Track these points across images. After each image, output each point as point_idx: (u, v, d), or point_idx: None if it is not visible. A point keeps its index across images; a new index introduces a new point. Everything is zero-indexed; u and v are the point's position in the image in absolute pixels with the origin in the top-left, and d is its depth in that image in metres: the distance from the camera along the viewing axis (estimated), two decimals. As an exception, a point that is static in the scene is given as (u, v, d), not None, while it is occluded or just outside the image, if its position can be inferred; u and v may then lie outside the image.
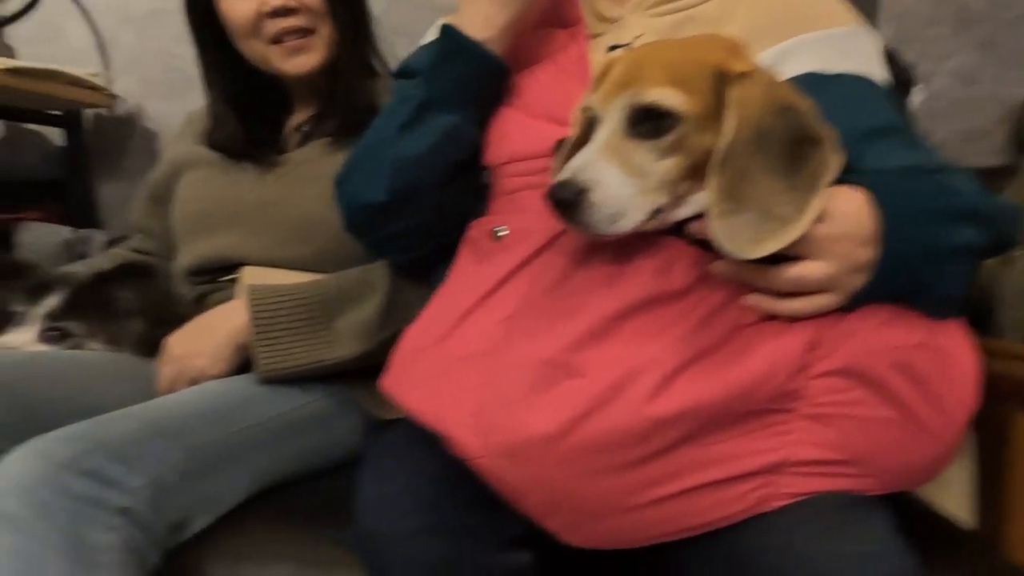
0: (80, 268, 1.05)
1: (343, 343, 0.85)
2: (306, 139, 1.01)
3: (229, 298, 0.96)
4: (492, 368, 0.53)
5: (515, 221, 0.69)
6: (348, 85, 0.97)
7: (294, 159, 1.00)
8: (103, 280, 0.90)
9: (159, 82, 1.85)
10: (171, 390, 0.83)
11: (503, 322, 0.56)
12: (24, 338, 0.85)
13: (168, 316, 0.92)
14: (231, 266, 0.96)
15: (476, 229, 0.74)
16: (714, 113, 0.51)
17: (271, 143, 1.01)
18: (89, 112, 1.88)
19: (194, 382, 0.83)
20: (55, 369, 0.76)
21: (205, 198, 0.99)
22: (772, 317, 0.52)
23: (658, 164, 0.52)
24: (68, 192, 1.86)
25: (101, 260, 1.11)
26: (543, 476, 0.49)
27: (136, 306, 0.91)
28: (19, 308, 0.88)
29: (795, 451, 0.50)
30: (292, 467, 0.80)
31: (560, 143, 0.65)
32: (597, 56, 0.76)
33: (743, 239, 0.49)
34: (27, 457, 0.57)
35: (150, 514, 0.60)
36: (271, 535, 0.70)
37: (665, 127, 0.52)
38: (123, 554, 0.58)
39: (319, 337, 0.84)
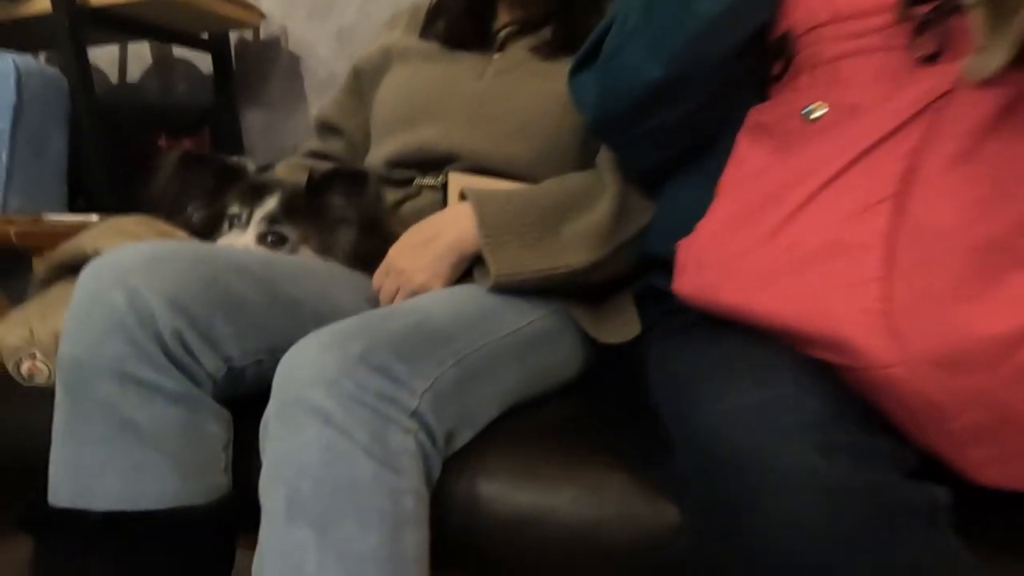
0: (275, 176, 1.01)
1: (574, 250, 0.76)
2: (515, 40, 0.93)
3: (427, 206, 0.89)
4: (887, 259, 0.42)
5: (835, 96, 0.57)
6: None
7: (511, 57, 0.92)
8: (317, 185, 0.85)
9: (302, 2, 1.79)
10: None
11: (882, 204, 0.45)
12: (245, 240, 0.81)
13: (380, 227, 0.86)
14: (435, 162, 0.89)
15: (768, 113, 0.63)
16: None
17: (491, 38, 0.93)
18: (235, 36, 1.85)
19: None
20: (293, 271, 0.71)
21: (418, 88, 0.92)
22: None
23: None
24: (216, 120, 1.85)
25: (285, 170, 1.06)
26: (987, 390, 0.38)
27: (350, 214, 0.85)
28: (235, 210, 0.84)
29: None
30: (533, 387, 0.72)
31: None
32: None
33: None
34: (322, 348, 0.52)
35: (433, 420, 0.54)
36: (540, 458, 0.63)
37: None
38: (418, 461, 0.52)
39: (549, 243, 0.76)
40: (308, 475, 0.47)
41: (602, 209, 0.79)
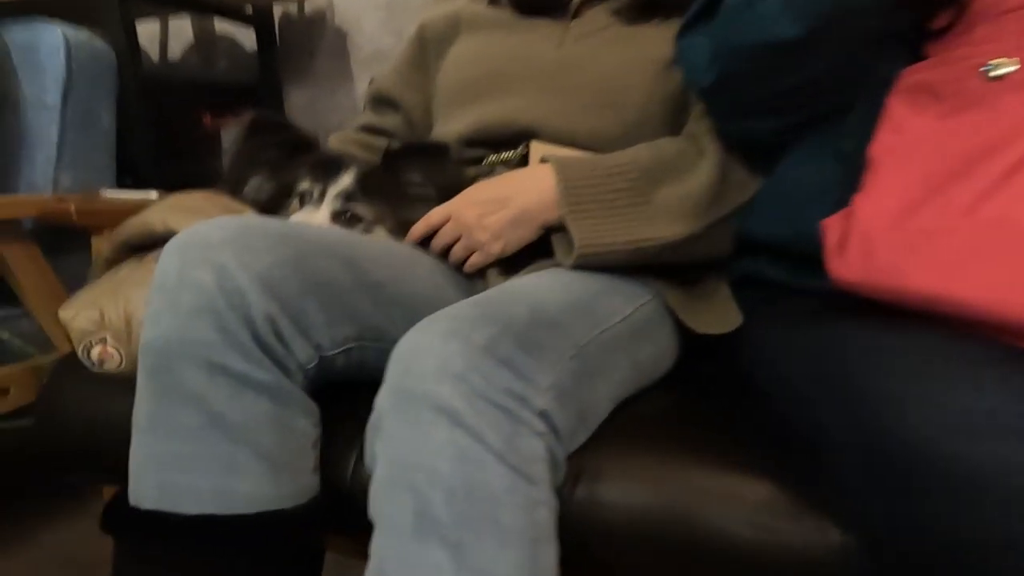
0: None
1: (667, 221, 0.69)
2: (591, 4, 0.86)
3: None
4: None
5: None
6: None
7: (590, 22, 0.85)
8: (394, 160, 0.78)
9: (348, -26, 1.73)
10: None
11: None
12: (319, 218, 0.76)
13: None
14: (512, 138, 0.81)
15: (931, 72, 0.55)
16: None
17: (565, 3, 0.86)
18: (279, 10, 1.80)
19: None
20: (373, 252, 0.65)
21: (491, 58, 0.85)
22: None
23: None
24: (259, 97, 1.80)
25: (337, 145, 1.00)
26: None
27: (428, 192, 0.79)
28: (306, 186, 0.78)
29: None
30: (641, 380, 0.66)
31: None
32: None
33: None
34: (443, 337, 0.46)
35: (560, 421, 0.48)
36: (658, 460, 0.57)
37: None
38: (549, 467, 0.46)
39: (639, 213, 0.69)
40: (440, 485, 0.41)
41: (700, 178, 0.72)
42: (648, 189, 0.70)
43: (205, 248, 0.52)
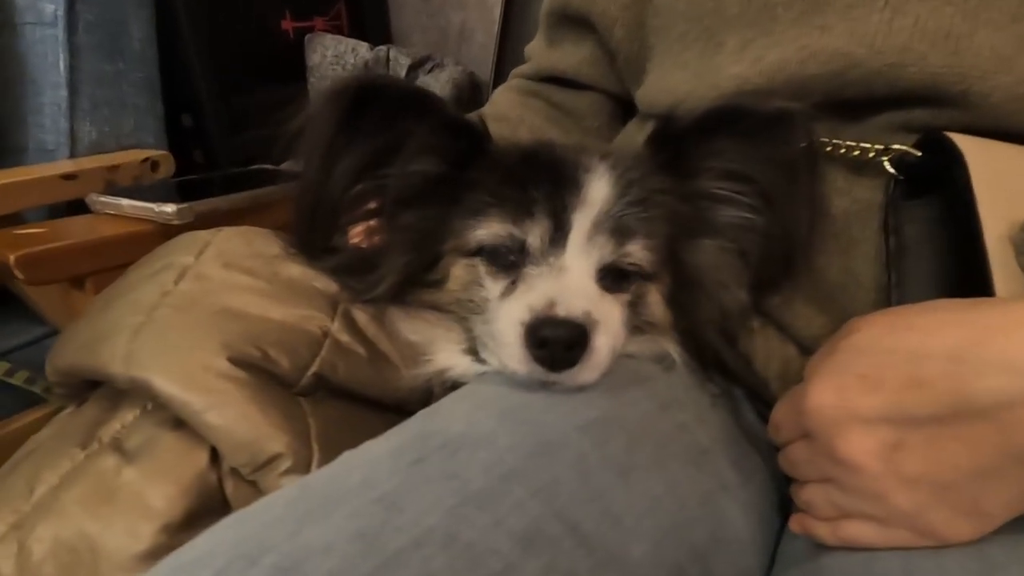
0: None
1: None
2: None
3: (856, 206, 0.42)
4: None
5: None
6: None
7: None
8: (676, 145, 0.37)
9: None
10: None
11: None
12: (569, 287, 0.36)
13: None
14: (890, 99, 0.41)
15: None
16: None
17: None
18: None
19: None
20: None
21: None
22: None
23: None
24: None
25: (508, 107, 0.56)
26: None
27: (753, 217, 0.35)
28: (508, 230, 0.36)
29: None
30: None
31: None
32: None
33: None
34: None
35: None
36: None
37: None
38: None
39: None
40: None
41: None
42: None
43: None
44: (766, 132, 0.40)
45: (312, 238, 0.42)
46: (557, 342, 0.34)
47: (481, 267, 0.40)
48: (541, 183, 0.39)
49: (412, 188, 0.40)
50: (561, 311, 0.35)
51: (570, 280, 0.38)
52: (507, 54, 1.00)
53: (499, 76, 0.94)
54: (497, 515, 0.29)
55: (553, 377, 0.35)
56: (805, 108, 0.39)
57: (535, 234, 0.38)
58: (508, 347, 0.35)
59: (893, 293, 0.41)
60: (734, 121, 0.40)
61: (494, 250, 0.39)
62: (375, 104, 0.38)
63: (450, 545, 0.27)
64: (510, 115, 0.61)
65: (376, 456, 0.31)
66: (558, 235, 0.38)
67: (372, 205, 0.41)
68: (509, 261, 0.39)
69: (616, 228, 0.39)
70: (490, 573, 0.27)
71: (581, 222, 0.38)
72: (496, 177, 0.40)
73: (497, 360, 0.37)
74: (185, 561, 0.26)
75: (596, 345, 0.35)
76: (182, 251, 0.41)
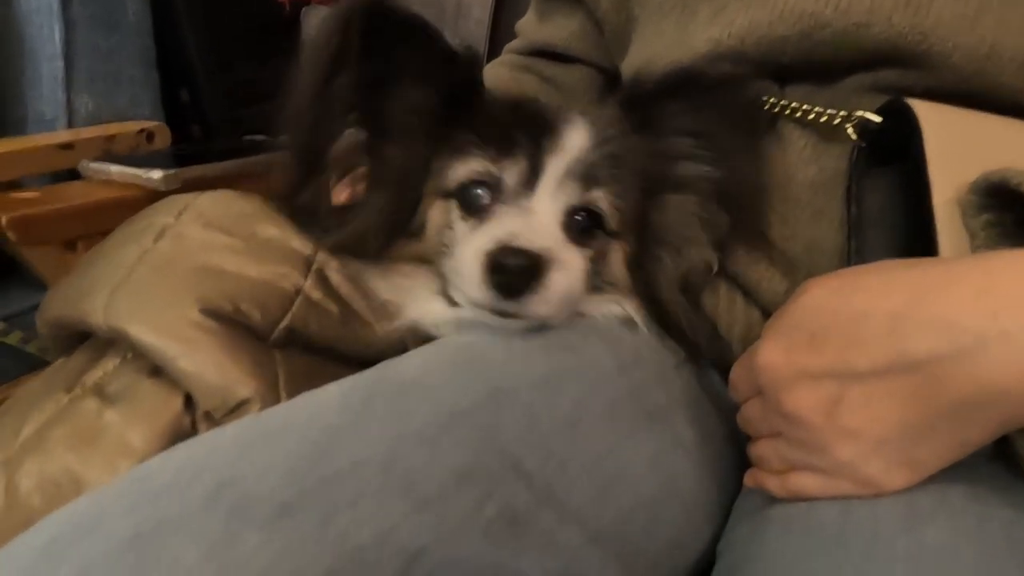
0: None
1: None
2: None
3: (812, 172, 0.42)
4: None
5: None
6: None
7: None
8: (642, 104, 0.40)
9: None
10: None
11: None
12: (534, 226, 0.38)
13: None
14: (852, 65, 0.44)
15: None
16: None
17: None
18: None
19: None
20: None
21: None
22: None
23: None
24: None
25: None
26: None
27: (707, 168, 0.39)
28: (486, 167, 0.39)
29: None
30: None
31: None
32: None
33: None
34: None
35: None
36: None
37: None
38: None
39: None
40: None
41: None
42: None
43: None
44: (717, 92, 0.42)
45: (301, 183, 0.42)
46: (514, 270, 0.36)
47: (455, 210, 0.41)
48: (523, 127, 0.41)
49: (401, 119, 0.41)
50: (522, 242, 0.37)
51: (535, 220, 0.40)
52: (500, 32, 1.01)
53: (492, 54, 0.95)
54: (437, 448, 0.31)
55: (508, 305, 0.37)
56: (749, 70, 0.42)
57: (511, 172, 0.40)
58: (469, 276, 0.37)
59: (852, 260, 0.43)
60: (689, 83, 0.42)
61: (469, 190, 0.41)
62: (378, 27, 0.39)
63: (387, 471, 0.29)
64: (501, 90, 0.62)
65: (328, 395, 0.33)
66: (532, 177, 0.40)
67: (358, 157, 0.43)
68: (481, 205, 0.41)
69: (585, 174, 0.41)
70: (423, 497, 0.29)
71: (555, 166, 0.40)
72: (482, 119, 0.42)
73: (461, 294, 0.39)
74: (137, 476, 0.29)
75: (552, 279, 0.37)
76: (163, 212, 0.43)
